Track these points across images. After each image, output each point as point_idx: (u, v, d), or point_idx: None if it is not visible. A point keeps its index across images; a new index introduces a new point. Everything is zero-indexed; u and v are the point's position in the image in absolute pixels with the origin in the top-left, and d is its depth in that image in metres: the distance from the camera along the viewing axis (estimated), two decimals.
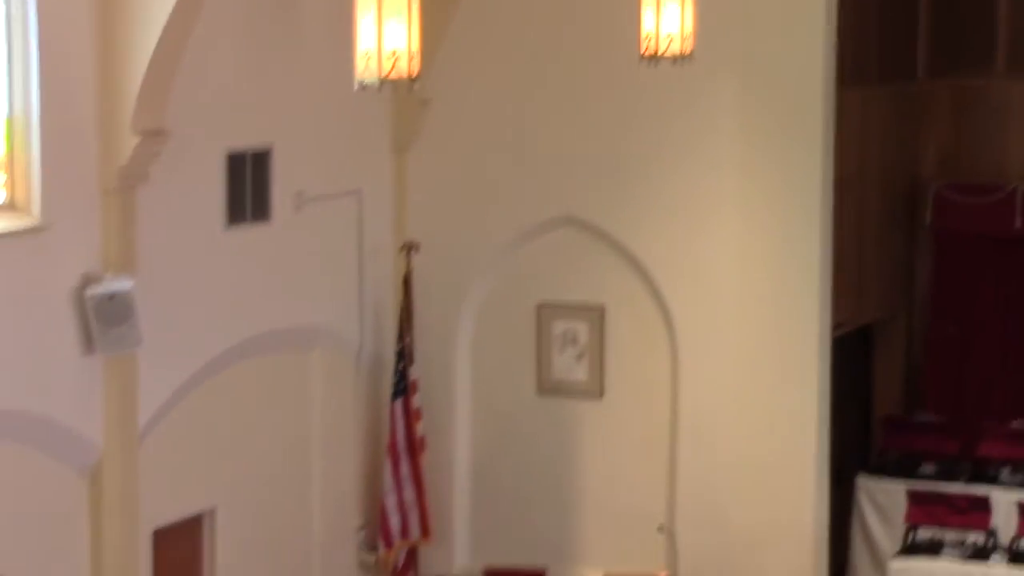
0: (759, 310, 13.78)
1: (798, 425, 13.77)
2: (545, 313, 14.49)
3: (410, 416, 14.24)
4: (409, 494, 14.27)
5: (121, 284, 10.80)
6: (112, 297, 10.72)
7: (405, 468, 14.24)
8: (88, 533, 10.80)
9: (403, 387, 14.22)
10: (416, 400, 14.31)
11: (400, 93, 13.46)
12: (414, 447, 14.25)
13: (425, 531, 14.44)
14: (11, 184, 10.37)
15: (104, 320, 10.69)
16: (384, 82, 7.71)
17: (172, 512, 11.76)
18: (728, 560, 13.85)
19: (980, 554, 14.50)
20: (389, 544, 14.20)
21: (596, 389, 14.38)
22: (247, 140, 12.35)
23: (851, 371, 15.88)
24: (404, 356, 14.13)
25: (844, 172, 14.37)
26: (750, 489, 13.81)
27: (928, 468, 15.67)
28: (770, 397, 13.76)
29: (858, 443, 16.59)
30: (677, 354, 14.00)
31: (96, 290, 10.68)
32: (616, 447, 14.29)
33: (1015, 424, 15.99)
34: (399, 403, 14.18)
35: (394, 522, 14.19)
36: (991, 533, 14.64)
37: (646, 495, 14.13)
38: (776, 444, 13.76)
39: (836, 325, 14.34)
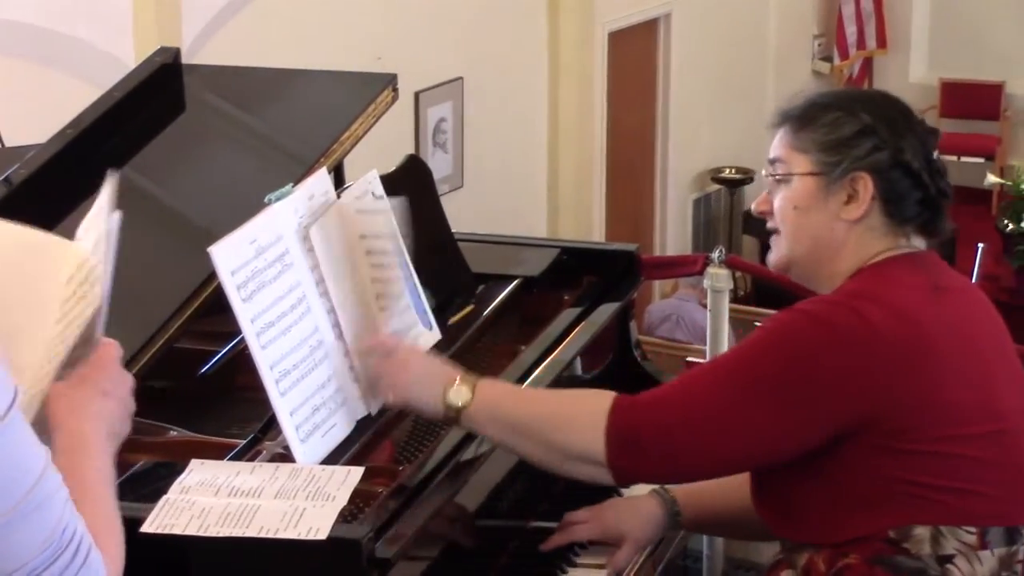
0: None
1: None
2: None
3: None
4: (867, 4, 14.18)
5: None
6: None
7: None
8: (546, 33, 11.25)
9: None
10: None
11: None
12: None
13: (881, 42, 14.40)
14: None
15: None
16: None
17: (627, 16, 12.07)
18: None
19: None
20: (845, 54, 14.26)
21: None
22: None
23: None
24: None
25: None
26: None
27: None
28: None
29: None
30: None
31: None
32: None
33: None
34: None
35: (850, 31, 14.19)
36: None
37: None
38: None
39: None
